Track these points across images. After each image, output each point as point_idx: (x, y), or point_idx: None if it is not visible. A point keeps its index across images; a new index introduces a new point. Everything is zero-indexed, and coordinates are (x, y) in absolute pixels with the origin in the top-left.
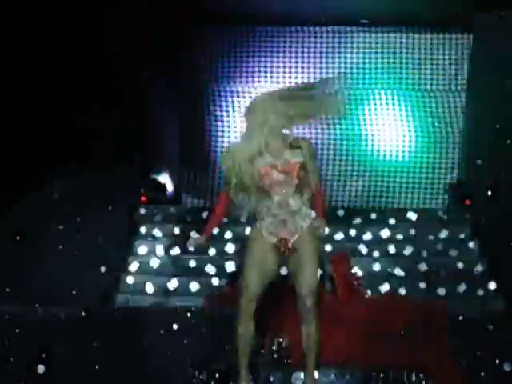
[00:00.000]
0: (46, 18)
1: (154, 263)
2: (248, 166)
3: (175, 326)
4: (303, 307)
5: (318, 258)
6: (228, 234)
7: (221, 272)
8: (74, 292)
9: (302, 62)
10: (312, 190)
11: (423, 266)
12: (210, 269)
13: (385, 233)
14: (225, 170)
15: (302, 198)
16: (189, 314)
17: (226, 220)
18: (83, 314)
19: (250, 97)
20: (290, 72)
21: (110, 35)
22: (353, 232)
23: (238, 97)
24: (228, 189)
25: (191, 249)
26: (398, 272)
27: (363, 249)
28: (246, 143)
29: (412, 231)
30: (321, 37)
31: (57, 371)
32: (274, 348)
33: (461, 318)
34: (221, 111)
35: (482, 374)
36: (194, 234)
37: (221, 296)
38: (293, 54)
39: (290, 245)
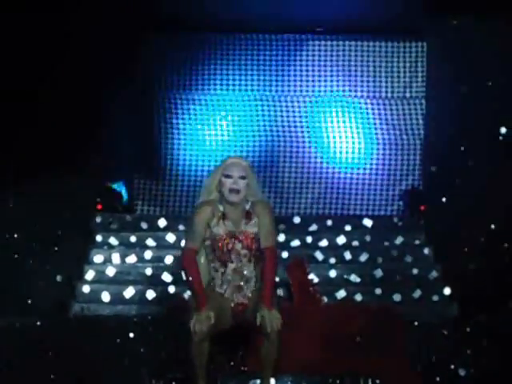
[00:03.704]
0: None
1: (110, 271)
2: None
3: (132, 335)
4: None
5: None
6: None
7: (178, 280)
8: (29, 301)
9: (258, 70)
10: (264, 255)
11: (379, 273)
12: (167, 277)
13: (341, 239)
14: (197, 224)
15: (256, 266)
16: (145, 323)
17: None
18: (38, 323)
19: (206, 104)
20: (246, 80)
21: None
22: (309, 239)
23: (192, 104)
24: (195, 245)
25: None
26: (354, 278)
27: (319, 255)
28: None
29: (367, 238)
30: (276, 44)
31: (11, 381)
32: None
33: (416, 323)
34: (176, 118)
35: (438, 378)
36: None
37: (179, 304)
38: (248, 62)
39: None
